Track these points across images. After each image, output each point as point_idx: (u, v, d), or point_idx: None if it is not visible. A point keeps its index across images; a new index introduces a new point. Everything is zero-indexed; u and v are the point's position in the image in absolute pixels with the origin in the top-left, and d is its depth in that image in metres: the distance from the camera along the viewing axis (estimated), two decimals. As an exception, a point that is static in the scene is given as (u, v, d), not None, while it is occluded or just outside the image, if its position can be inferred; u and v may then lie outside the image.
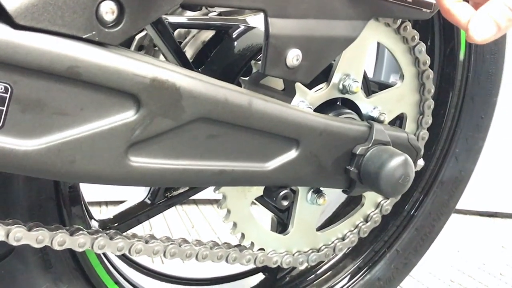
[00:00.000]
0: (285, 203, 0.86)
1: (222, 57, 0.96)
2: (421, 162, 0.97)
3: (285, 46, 0.79)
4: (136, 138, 0.68)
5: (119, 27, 0.65)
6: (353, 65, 0.92)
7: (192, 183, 0.76)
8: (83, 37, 0.63)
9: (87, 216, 0.94)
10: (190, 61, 0.99)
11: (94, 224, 0.96)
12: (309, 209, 0.96)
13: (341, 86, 0.92)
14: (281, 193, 0.85)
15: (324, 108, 0.92)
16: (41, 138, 0.63)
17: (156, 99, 0.68)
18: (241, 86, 0.82)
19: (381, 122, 0.96)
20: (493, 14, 0.67)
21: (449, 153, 1.21)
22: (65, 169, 0.66)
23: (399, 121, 1.05)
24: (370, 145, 0.87)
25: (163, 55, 0.97)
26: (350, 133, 0.86)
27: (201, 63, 1.01)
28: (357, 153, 0.86)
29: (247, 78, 0.83)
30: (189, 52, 1.05)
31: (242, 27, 1.00)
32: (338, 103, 0.95)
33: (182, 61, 0.94)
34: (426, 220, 1.23)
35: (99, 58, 0.64)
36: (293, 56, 0.79)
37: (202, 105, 0.71)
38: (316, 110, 0.91)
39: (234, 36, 0.98)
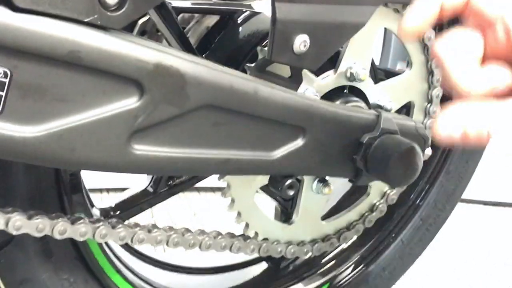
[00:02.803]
0: (291, 192, 0.85)
1: (226, 43, 0.94)
2: (428, 152, 0.95)
3: (293, 32, 0.76)
4: (139, 125, 0.66)
5: (121, 11, 0.63)
6: (361, 52, 0.90)
7: (196, 171, 0.74)
8: (85, 20, 0.61)
9: (89, 204, 0.92)
10: (194, 46, 0.97)
11: (96, 213, 0.94)
12: (314, 198, 0.94)
13: (348, 74, 0.90)
14: (287, 183, 0.84)
15: (331, 95, 0.90)
16: (41, 125, 0.62)
17: (160, 86, 0.66)
18: (246, 73, 0.80)
19: (388, 110, 0.94)
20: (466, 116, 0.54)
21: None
22: (66, 157, 0.64)
23: (405, 109, 1.03)
24: (377, 134, 0.85)
25: (166, 40, 0.95)
26: (357, 121, 0.84)
27: (205, 48, 0.99)
28: (364, 142, 0.84)
29: (252, 65, 0.81)
30: (193, 37, 1.03)
31: (247, 12, 0.97)
32: (345, 90, 0.93)
33: (186, 46, 0.92)
34: (432, 210, 1.21)
35: (101, 42, 0.62)
36: (301, 42, 0.77)
37: (207, 92, 0.69)
38: (323, 97, 0.89)
39: (239, 22, 0.95)
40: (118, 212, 0.97)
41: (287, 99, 0.76)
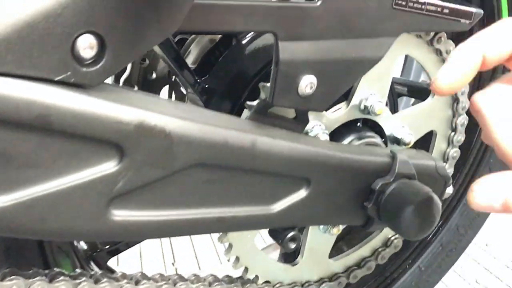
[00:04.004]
0: (293, 245, 0.77)
1: (228, 68, 0.86)
2: (449, 190, 0.87)
3: (298, 73, 0.68)
4: (118, 190, 0.59)
5: (99, 65, 0.55)
6: (378, 82, 0.81)
7: (185, 233, 0.67)
8: (56, 79, 0.54)
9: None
10: (196, 61, 0.89)
11: (83, 246, 0.88)
12: (322, 238, 0.87)
13: (362, 106, 0.81)
14: (289, 235, 0.76)
15: (342, 130, 0.82)
16: (7, 195, 0.55)
17: (142, 148, 0.58)
18: (247, 110, 0.73)
19: (407, 144, 0.85)
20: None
21: (482, 163, 1.10)
22: (36, 228, 0.57)
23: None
24: (392, 179, 0.77)
25: (162, 60, 0.88)
26: (369, 166, 0.76)
27: (207, 67, 0.91)
28: (377, 189, 0.76)
29: (254, 103, 0.73)
30: (195, 51, 0.94)
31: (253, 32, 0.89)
32: (358, 123, 0.84)
33: (183, 69, 0.84)
34: (453, 235, 1.13)
35: (73, 104, 0.54)
36: (307, 84, 0.69)
37: (197, 151, 0.62)
38: (333, 133, 0.81)
39: (243, 42, 0.87)
40: (106, 246, 0.91)
41: (289, 150, 0.68)
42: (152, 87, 1.06)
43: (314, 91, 0.70)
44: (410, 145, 0.86)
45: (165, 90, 1.09)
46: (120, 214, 0.60)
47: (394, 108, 0.91)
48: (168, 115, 0.60)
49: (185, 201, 0.64)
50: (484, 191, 0.49)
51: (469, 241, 1.14)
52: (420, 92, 1.02)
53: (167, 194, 0.62)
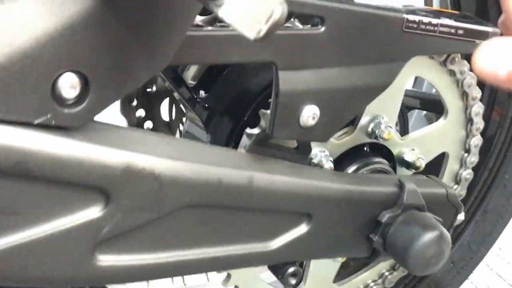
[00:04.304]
0: (293, 281, 0.74)
1: (230, 84, 0.82)
2: (461, 217, 0.83)
3: (299, 104, 0.64)
4: (104, 236, 0.56)
5: (82, 106, 0.52)
6: (387, 105, 0.77)
7: (177, 274, 0.64)
8: (35, 122, 0.50)
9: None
10: (196, 80, 0.85)
11: None
12: (326, 264, 0.84)
13: (369, 130, 0.77)
14: (289, 271, 0.73)
15: (347, 155, 0.78)
16: (-14, 243, 0.52)
17: (130, 192, 0.55)
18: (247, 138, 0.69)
19: (417, 168, 0.81)
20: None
21: (496, 180, 1.05)
22: (17, 276, 0.54)
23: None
24: (399, 211, 0.72)
25: (160, 77, 0.84)
26: (376, 197, 0.72)
27: (208, 80, 0.86)
28: (383, 221, 0.72)
29: (254, 131, 0.69)
30: (194, 68, 0.90)
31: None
32: (365, 148, 0.80)
33: (181, 86, 0.81)
34: (464, 252, 1.09)
35: (54, 148, 0.51)
36: (309, 115, 0.65)
37: (188, 192, 0.58)
38: (338, 158, 0.77)
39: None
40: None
41: (289, 186, 0.65)
42: (152, 100, 1.03)
43: (316, 122, 0.65)
44: (421, 169, 0.81)
45: (166, 102, 1.05)
46: (107, 259, 0.57)
47: (404, 128, 0.86)
48: (157, 155, 0.56)
49: (176, 243, 0.61)
50: (491, 54, 0.46)
51: (481, 258, 1.10)
52: (434, 105, 0.98)
53: (156, 237, 0.59)
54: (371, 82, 0.68)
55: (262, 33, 0.42)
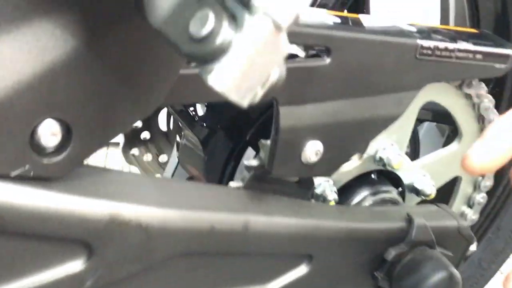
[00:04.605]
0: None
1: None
2: (473, 248, 0.78)
3: (302, 140, 0.59)
4: (87, 289, 0.52)
5: (64, 155, 0.47)
6: (397, 131, 0.72)
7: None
8: (12, 175, 0.46)
9: None
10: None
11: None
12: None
13: (377, 158, 0.72)
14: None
15: (353, 183, 0.73)
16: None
17: (115, 244, 0.51)
18: (247, 171, 0.64)
19: (427, 195, 0.76)
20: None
21: (511, 197, 1.00)
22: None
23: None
24: (407, 248, 0.68)
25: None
26: (381, 235, 0.67)
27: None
28: (389, 259, 0.68)
29: (254, 163, 0.64)
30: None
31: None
32: (373, 175, 0.75)
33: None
34: (475, 270, 1.04)
35: (31, 202, 0.47)
36: (312, 151, 0.60)
37: (178, 242, 0.54)
38: (343, 186, 0.72)
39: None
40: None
41: (287, 227, 0.60)
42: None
43: (320, 158, 0.61)
44: (432, 197, 0.77)
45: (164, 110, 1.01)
46: (91, 312, 0.53)
47: (415, 150, 0.81)
48: (145, 203, 0.52)
49: (165, 291, 0.57)
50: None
51: (491, 276, 1.06)
52: (446, 117, 0.92)
53: (143, 286, 0.55)
54: (380, 113, 0.63)
55: (257, 98, 0.38)
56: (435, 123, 1.07)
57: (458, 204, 0.84)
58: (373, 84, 0.61)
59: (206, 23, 0.35)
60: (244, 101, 0.36)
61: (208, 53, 0.35)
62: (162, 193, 0.54)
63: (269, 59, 0.36)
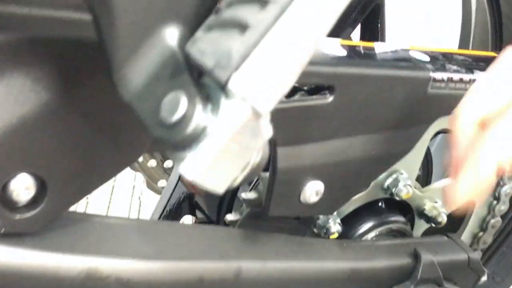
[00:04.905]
0: None
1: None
2: (484, 278, 0.74)
3: (301, 181, 0.56)
4: None
5: (38, 209, 0.44)
6: (406, 160, 0.67)
7: None
8: (-21, 232, 0.43)
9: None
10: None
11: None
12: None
13: (385, 186, 0.68)
14: None
15: (359, 211, 0.70)
16: None
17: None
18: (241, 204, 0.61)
19: (438, 223, 0.72)
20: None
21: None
22: None
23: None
24: (412, 286, 0.65)
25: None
26: (385, 273, 0.64)
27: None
28: (393, 298, 0.65)
29: (250, 197, 0.61)
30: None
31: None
32: (380, 203, 0.71)
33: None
34: (488, 284, 1.00)
35: (3, 261, 0.44)
36: (312, 192, 0.57)
37: (164, 294, 0.51)
38: (349, 215, 0.69)
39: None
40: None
41: (283, 271, 0.57)
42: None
43: (321, 197, 0.57)
44: (442, 225, 0.73)
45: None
46: None
47: (428, 174, 0.77)
48: (127, 255, 0.49)
49: None
50: None
51: (505, 290, 1.02)
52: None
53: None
54: (387, 150, 0.59)
55: (237, 183, 0.34)
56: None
57: (471, 228, 0.80)
58: (380, 121, 0.57)
59: (177, 107, 0.32)
60: (220, 189, 0.33)
61: (179, 141, 0.32)
62: (146, 241, 0.51)
63: (248, 145, 0.32)
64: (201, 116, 0.31)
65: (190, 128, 0.31)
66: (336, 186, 0.57)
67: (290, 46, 0.31)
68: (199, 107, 0.31)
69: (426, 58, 0.60)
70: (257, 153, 0.34)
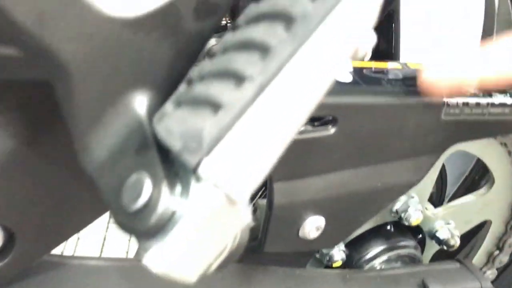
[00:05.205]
0: None
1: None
2: (496, 304, 0.71)
3: (300, 216, 0.52)
4: None
5: (5, 261, 0.41)
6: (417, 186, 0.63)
7: None
8: None
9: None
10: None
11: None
12: None
13: (394, 210, 0.64)
14: None
15: (367, 235, 0.66)
16: None
17: None
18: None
19: (451, 246, 0.68)
20: None
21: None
22: None
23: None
24: (419, 321, 0.61)
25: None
26: (392, 306, 0.60)
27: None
28: (399, 333, 0.61)
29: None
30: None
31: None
32: (388, 226, 0.67)
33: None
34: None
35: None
36: (312, 228, 0.53)
37: None
38: (355, 240, 0.65)
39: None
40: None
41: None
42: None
43: (321, 232, 0.53)
44: (455, 248, 0.69)
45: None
46: None
47: (441, 190, 0.73)
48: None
49: None
50: None
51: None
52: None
53: None
54: (396, 181, 0.54)
55: (212, 269, 0.31)
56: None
57: (487, 247, 0.76)
58: (388, 151, 0.52)
59: (141, 193, 0.27)
60: (191, 279, 0.29)
61: (143, 230, 0.28)
62: (128, 284, 0.48)
63: (224, 231, 0.28)
64: (168, 201, 0.27)
65: (155, 216, 0.27)
66: (339, 220, 0.53)
67: (268, 129, 0.26)
68: (165, 190, 0.27)
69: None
70: (234, 239, 0.30)
